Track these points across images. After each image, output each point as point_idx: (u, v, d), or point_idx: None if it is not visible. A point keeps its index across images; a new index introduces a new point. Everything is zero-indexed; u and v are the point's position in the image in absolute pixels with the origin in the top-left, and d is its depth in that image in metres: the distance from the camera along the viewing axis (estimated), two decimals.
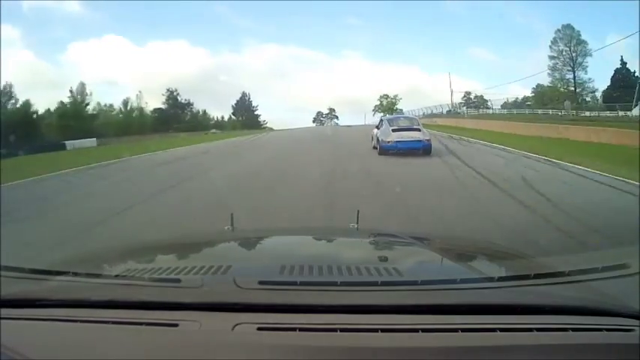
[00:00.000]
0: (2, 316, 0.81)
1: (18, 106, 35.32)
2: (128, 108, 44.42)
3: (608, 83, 36.86)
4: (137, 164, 14.05)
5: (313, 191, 6.92)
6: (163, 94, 49.98)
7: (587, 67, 37.86)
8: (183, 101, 51.06)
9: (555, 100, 36.11)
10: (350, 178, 8.10)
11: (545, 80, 40.00)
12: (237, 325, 0.77)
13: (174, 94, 50.69)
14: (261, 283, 0.90)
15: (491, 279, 1.05)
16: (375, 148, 12.68)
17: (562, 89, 38.22)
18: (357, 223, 1.80)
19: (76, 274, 1.06)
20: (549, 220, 4.67)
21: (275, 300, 0.85)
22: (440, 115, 36.15)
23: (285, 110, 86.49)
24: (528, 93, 43.27)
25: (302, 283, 0.95)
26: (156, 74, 64.55)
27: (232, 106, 58.92)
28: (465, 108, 41.66)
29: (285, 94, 73.41)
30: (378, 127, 13.17)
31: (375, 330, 0.75)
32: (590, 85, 38.59)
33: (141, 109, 44.98)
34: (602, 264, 1.02)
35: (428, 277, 1.02)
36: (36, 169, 11.98)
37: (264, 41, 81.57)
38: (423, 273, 1.16)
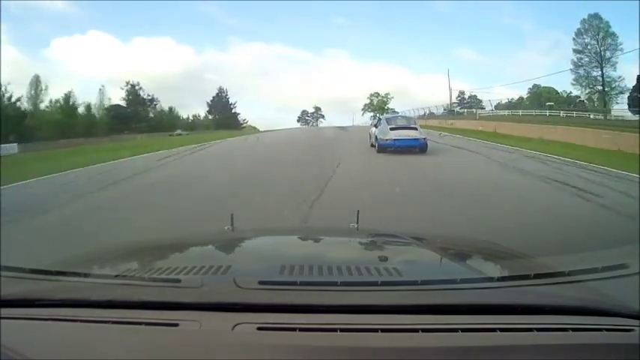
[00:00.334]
0: (2, 316, 0.81)
1: None
2: (71, 104, 36.97)
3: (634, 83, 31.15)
4: None
5: None
6: (122, 88, 42.46)
7: (616, 63, 32.97)
8: (146, 97, 43.85)
9: (553, 101, 34.60)
10: None
11: (543, 81, 38.27)
12: (237, 325, 0.77)
13: (136, 88, 43.16)
14: (261, 283, 0.90)
15: (491, 279, 1.05)
16: (372, 146, 13.43)
17: (589, 87, 34.11)
18: (357, 223, 1.80)
19: (76, 274, 1.06)
20: None
21: (275, 300, 0.85)
22: (438, 116, 33.95)
23: (270, 109, 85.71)
24: (513, 94, 41.65)
25: (302, 283, 0.95)
26: (141, 72, 64.24)
27: (207, 103, 52.04)
28: (475, 109, 36.97)
29: (270, 93, 72.77)
30: (375, 126, 13.88)
31: (375, 330, 0.75)
32: (620, 84, 33.43)
33: (88, 107, 37.95)
34: (602, 264, 1.02)
35: (428, 277, 1.02)
36: None
37: (250, 40, 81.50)
38: (423, 273, 1.16)
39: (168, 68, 62.84)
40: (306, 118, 61.33)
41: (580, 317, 0.80)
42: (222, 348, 0.73)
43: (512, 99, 42.98)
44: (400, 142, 11.73)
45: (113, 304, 0.86)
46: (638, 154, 10.56)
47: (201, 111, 52.64)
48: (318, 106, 60.32)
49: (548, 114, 29.24)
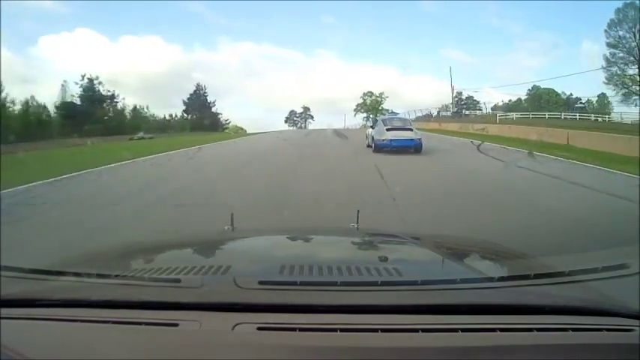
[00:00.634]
0: (2, 316, 0.81)
1: None
2: (31, 105, 30.16)
3: None
4: None
5: None
6: (77, 83, 35.00)
7: None
8: (105, 92, 36.37)
9: (553, 103, 33.86)
10: None
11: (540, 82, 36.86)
12: (237, 325, 0.77)
13: (95, 82, 35.67)
14: (261, 283, 0.90)
15: (491, 279, 1.05)
16: (369, 146, 13.86)
17: (623, 87, 28.77)
18: (357, 223, 1.80)
19: (76, 274, 1.06)
20: None
21: (275, 300, 0.85)
22: (439, 118, 32.10)
23: (259, 110, 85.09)
24: (502, 96, 40.99)
25: (302, 283, 0.95)
26: (129, 70, 62.65)
27: (184, 101, 45.50)
28: (498, 114, 31.92)
29: (259, 93, 71.08)
30: (372, 127, 14.52)
31: (375, 330, 0.75)
32: None
33: (26, 105, 30.23)
34: (602, 264, 1.02)
35: (428, 277, 1.02)
36: None
37: (239, 39, 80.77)
38: (423, 273, 1.16)
39: (157, 67, 61.31)
40: (294, 118, 56.73)
41: (580, 317, 0.80)
42: (222, 348, 0.73)
43: (510, 100, 42.25)
44: (396, 142, 12.27)
45: (113, 304, 0.86)
46: (639, 154, 10.55)
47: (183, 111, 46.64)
48: (307, 106, 56.31)
49: (547, 116, 28.02)
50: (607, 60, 29.16)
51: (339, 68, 70.87)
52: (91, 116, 33.94)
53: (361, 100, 48.92)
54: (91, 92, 35.72)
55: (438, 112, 37.49)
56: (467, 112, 37.77)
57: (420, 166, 10.09)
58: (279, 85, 74.10)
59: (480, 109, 38.06)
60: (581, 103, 36.99)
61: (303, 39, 77.35)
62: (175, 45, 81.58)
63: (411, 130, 13.01)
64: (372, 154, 12.33)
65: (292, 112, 57.29)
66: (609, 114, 29.12)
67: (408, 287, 0.93)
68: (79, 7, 58.36)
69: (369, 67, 72.63)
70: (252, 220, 4.10)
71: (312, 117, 56.90)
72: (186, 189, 7.40)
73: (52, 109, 32.90)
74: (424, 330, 0.74)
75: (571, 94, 39.26)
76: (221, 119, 47.14)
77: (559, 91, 38.61)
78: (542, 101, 37.03)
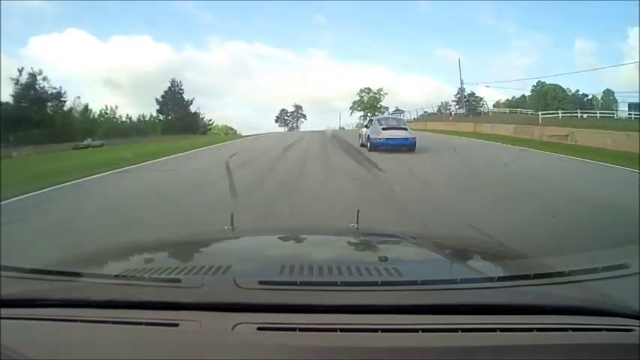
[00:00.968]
0: (2, 316, 0.81)
1: None
2: None
3: None
4: None
5: None
6: (13, 79, 28.67)
7: None
8: (50, 90, 29.92)
9: (560, 100, 32.54)
10: None
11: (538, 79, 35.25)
12: (237, 325, 0.77)
13: (38, 78, 29.57)
14: (261, 283, 0.90)
15: (491, 279, 1.05)
16: (362, 145, 14.22)
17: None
18: (357, 223, 1.80)
19: (76, 274, 1.06)
20: None
21: (275, 300, 0.85)
22: (443, 117, 28.92)
23: (250, 109, 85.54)
24: (494, 94, 40.19)
25: (302, 283, 0.95)
26: (120, 70, 62.40)
27: (157, 99, 39.19)
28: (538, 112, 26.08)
29: (250, 92, 71.80)
30: (366, 127, 14.97)
31: (375, 330, 0.75)
32: None
33: None
34: (602, 264, 1.02)
35: (428, 277, 1.02)
36: None
37: (230, 38, 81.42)
38: (423, 273, 1.16)
39: (147, 67, 61.21)
40: (285, 118, 53.12)
41: (580, 317, 0.80)
42: (222, 348, 0.73)
43: (514, 97, 41.12)
44: (392, 140, 12.76)
45: (113, 304, 0.86)
46: (639, 153, 10.54)
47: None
48: (299, 104, 53.00)
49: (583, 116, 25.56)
50: None
51: (331, 67, 72.00)
52: (25, 120, 27.22)
53: (358, 98, 45.04)
54: (31, 90, 29.08)
55: (439, 108, 36.08)
56: (482, 109, 34.88)
57: None
58: (271, 84, 74.54)
59: (481, 106, 36.50)
60: (588, 100, 36.14)
61: (295, 38, 78.28)
62: (166, 44, 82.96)
63: (405, 129, 13.70)
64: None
65: (283, 111, 53.47)
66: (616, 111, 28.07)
67: (408, 287, 0.93)
68: (69, 7, 58.48)
69: (361, 66, 73.91)
70: None
71: (304, 116, 53.61)
72: None
73: None
74: (424, 330, 0.74)
75: (577, 91, 38.48)
76: (204, 119, 42.13)
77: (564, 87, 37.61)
78: (549, 98, 36.10)
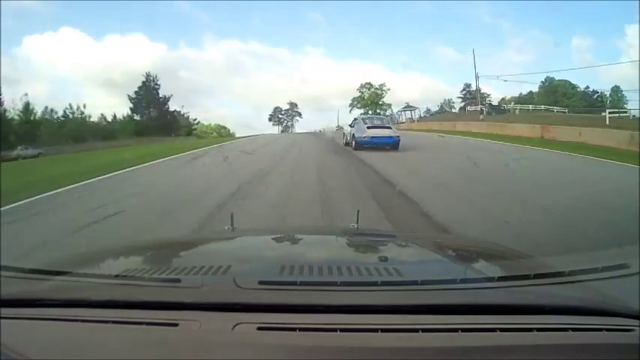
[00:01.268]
0: (2, 316, 0.81)
1: None
2: None
3: None
4: None
5: None
6: None
7: None
8: None
9: (570, 96, 30.79)
10: None
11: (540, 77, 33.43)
12: (237, 325, 0.77)
13: None
14: (261, 283, 0.90)
15: (491, 279, 1.05)
16: (347, 144, 14.65)
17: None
18: (357, 223, 1.80)
19: (76, 274, 1.06)
20: None
21: (275, 300, 0.85)
22: (454, 116, 25.84)
23: (245, 107, 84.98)
24: (499, 93, 38.66)
25: (302, 283, 0.95)
26: (114, 69, 62.04)
27: (129, 97, 33.72)
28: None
29: (246, 90, 70.38)
30: (351, 126, 15.19)
31: (375, 330, 0.75)
32: None
33: None
34: (602, 264, 1.02)
35: (428, 277, 1.02)
36: None
37: (225, 37, 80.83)
38: (423, 273, 1.16)
39: (142, 66, 60.73)
40: (280, 116, 48.87)
41: (580, 317, 0.80)
42: (222, 348, 0.73)
43: (521, 94, 39.39)
44: (377, 139, 12.96)
45: (113, 303, 0.86)
46: (638, 153, 10.54)
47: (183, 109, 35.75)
48: (294, 102, 49.13)
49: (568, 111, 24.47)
50: None
51: (328, 65, 71.05)
52: None
53: (358, 94, 41.01)
54: None
55: (441, 106, 34.77)
56: (506, 107, 31.69)
57: None
58: (266, 82, 73.37)
59: (485, 104, 33.37)
60: (599, 97, 34.96)
61: (290, 36, 77.73)
62: (160, 43, 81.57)
63: (389, 128, 14.03)
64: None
65: (277, 109, 49.37)
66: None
67: (408, 287, 0.93)
68: (62, 6, 57.97)
69: (358, 64, 73.10)
70: None
71: (299, 114, 49.62)
72: None
73: None
74: (424, 330, 0.74)
75: (587, 87, 37.27)
76: (189, 118, 36.82)
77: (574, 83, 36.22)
78: (558, 94, 34.90)
